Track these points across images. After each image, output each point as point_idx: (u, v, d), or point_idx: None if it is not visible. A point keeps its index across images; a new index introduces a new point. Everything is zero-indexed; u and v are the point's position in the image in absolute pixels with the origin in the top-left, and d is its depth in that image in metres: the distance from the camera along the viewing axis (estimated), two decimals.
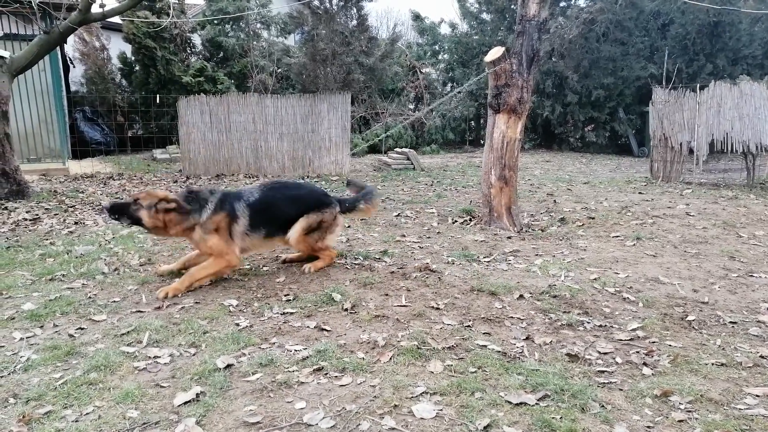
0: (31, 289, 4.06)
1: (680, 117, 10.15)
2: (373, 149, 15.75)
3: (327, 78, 14.49)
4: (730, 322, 3.54)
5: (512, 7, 17.45)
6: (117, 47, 15.40)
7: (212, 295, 3.93)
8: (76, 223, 6.40)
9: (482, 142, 18.66)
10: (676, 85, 10.84)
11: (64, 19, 7.66)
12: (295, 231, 4.43)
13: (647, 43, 16.48)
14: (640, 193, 8.90)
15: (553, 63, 16.93)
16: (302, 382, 2.68)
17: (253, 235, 4.33)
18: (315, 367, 2.82)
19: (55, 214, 6.84)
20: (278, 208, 4.45)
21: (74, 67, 15.03)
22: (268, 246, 4.63)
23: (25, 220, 6.49)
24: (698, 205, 7.61)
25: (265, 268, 4.63)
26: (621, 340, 3.25)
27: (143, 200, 4.10)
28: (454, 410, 2.44)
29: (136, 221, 4.14)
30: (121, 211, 4.16)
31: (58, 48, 10.44)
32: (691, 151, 10.34)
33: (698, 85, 10.25)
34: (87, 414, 2.40)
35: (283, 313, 3.58)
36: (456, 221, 6.63)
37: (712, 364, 2.92)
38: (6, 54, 7.47)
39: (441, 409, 2.44)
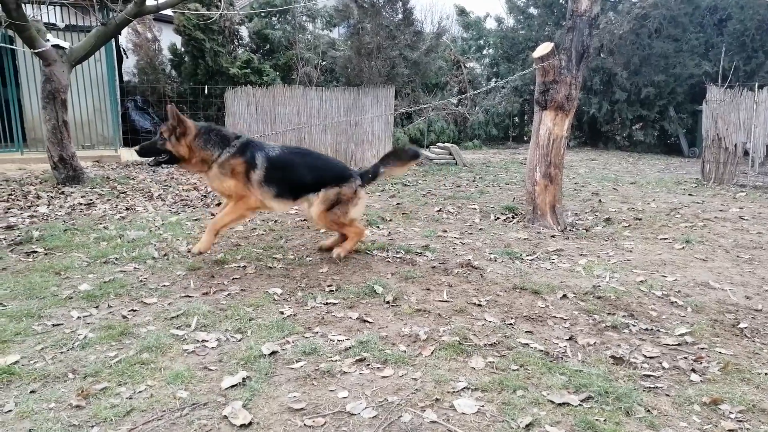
0: (86, 270, 4.24)
1: (736, 117, 9.77)
2: (415, 143, 15.72)
3: (371, 71, 14.51)
4: None
5: (561, 1, 17.11)
6: (168, 39, 15.80)
7: (257, 283, 4.02)
8: (127, 208, 6.63)
9: (525, 138, 18.42)
10: (732, 84, 10.44)
11: (121, 11, 7.91)
12: (315, 207, 4.48)
13: (702, 40, 15.89)
14: (690, 194, 8.63)
15: (601, 59, 16.51)
16: (345, 372, 2.72)
17: (265, 189, 4.39)
18: (357, 357, 2.86)
19: (108, 200, 7.10)
20: (295, 171, 4.48)
21: (127, 57, 15.50)
22: (277, 205, 4.57)
23: (81, 204, 6.77)
24: (753, 209, 7.32)
25: (308, 258, 4.71)
26: (668, 344, 3.18)
27: (165, 132, 4.28)
28: (496, 407, 2.44)
29: (167, 154, 4.29)
30: (150, 150, 4.35)
31: (113, 39, 10.79)
32: (746, 153, 9.95)
33: (756, 84, 9.84)
34: (140, 392, 2.50)
35: (326, 304, 3.64)
36: (498, 218, 6.57)
37: (766, 373, 2.83)
38: (66, 44, 7.77)
39: (482, 405, 2.44)
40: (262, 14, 15.98)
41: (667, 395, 2.61)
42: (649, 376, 2.79)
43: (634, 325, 3.43)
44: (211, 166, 4.33)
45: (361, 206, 4.73)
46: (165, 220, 5.93)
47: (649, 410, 2.45)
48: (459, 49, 19.42)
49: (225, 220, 4.37)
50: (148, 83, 15.39)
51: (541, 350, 3.03)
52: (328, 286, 3.98)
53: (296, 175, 4.49)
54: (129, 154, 11.43)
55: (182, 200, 7.31)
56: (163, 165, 4.53)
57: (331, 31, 17.61)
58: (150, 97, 15.26)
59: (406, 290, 3.91)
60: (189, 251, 4.19)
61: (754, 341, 3.27)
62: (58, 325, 3.23)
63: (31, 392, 2.49)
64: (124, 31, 13.16)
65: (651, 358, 3.00)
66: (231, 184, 4.31)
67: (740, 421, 2.40)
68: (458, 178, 10.20)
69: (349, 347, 2.98)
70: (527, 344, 3.09)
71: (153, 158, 4.40)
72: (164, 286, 3.93)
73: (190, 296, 3.74)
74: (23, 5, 7.18)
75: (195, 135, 4.30)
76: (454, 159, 12.33)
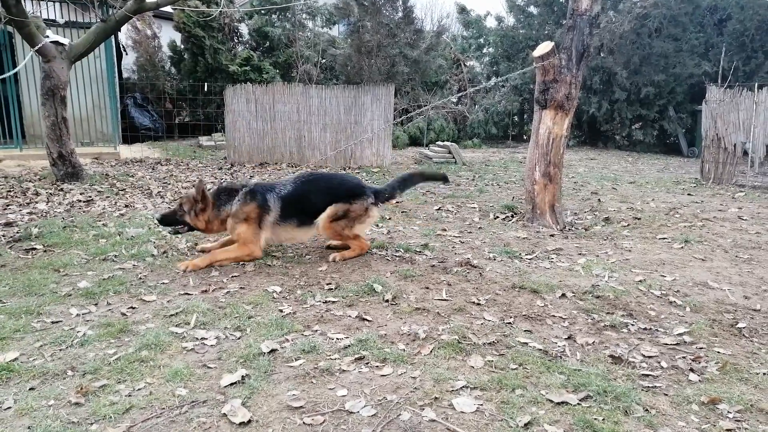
0: (85, 267, 4.24)
1: (735, 117, 9.78)
2: (415, 142, 15.73)
3: (371, 70, 14.50)
4: None
5: (561, 0, 17.10)
6: (167, 36, 15.78)
7: (257, 281, 4.02)
8: (126, 206, 6.62)
9: (525, 137, 18.41)
10: (731, 84, 10.44)
11: (120, 7, 7.89)
12: (322, 218, 4.61)
13: (702, 40, 15.89)
14: (689, 194, 8.64)
15: (601, 58, 16.51)
16: (344, 370, 2.72)
17: (285, 225, 4.57)
18: (356, 356, 2.86)
19: (107, 197, 7.10)
20: (310, 200, 4.63)
21: (127, 54, 15.48)
22: (303, 234, 4.76)
23: (80, 201, 6.76)
24: (751, 209, 7.34)
25: (307, 257, 4.71)
26: (666, 344, 3.19)
27: (185, 205, 4.49)
28: (495, 406, 2.44)
29: (186, 225, 4.53)
30: (171, 221, 4.57)
31: (112, 36, 10.76)
32: (745, 153, 9.96)
33: (756, 84, 9.84)
34: (139, 389, 2.50)
35: (326, 302, 3.64)
36: (498, 217, 6.58)
37: (764, 373, 2.83)
38: (66, 41, 7.76)
39: (481, 404, 2.44)
40: (262, 11, 15.97)
41: (666, 395, 2.61)
42: (647, 375, 2.79)
43: (632, 325, 3.43)
44: (227, 220, 4.52)
45: (369, 224, 4.87)
46: None
47: (647, 409, 2.45)
48: (459, 48, 19.42)
49: (223, 256, 4.45)
50: (147, 80, 15.38)
51: (540, 349, 3.03)
52: (328, 284, 3.98)
53: (312, 202, 4.63)
54: (128, 151, 11.42)
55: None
56: (182, 233, 4.74)
57: (330, 29, 17.59)
58: (149, 94, 15.25)
59: (406, 289, 3.92)
60: (183, 270, 4.21)
61: (753, 341, 3.28)
62: (57, 322, 3.23)
63: (30, 389, 2.49)
64: (124, 28, 13.13)
65: (649, 357, 3.00)
66: (242, 230, 4.45)
67: (738, 420, 2.41)
68: (457, 176, 10.20)
69: (348, 345, 2.99)
70: (526, 343, 3.10)
71: (172, 227, 4.62)
72: (163, 283, 3.93)
73: (189, 294, 3.74)
74: (23, 1, 7.16)
75: (212, 207, 4.49)
76: (453, 158, 12.33)
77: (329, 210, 4.59)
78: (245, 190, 4.55)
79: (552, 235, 5.77)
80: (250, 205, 4.48)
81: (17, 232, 5.15)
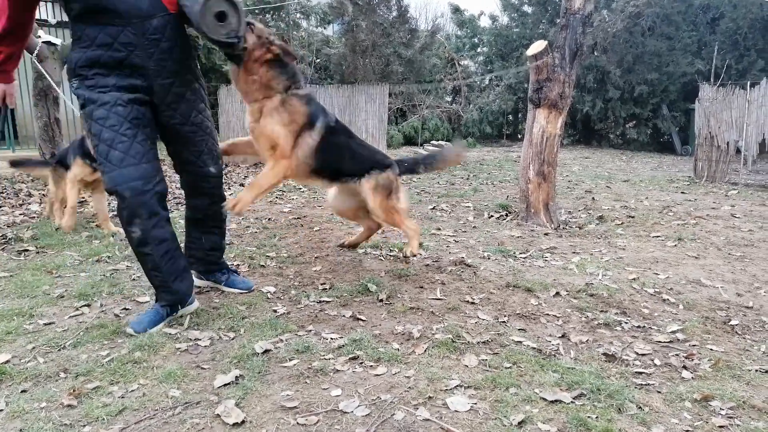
0: (78, 269, 4.22)
1: (728, 115, 9.83)
2: (409, 141, 15.73)
3: (366, 69, 14.51)
4: None
5: None
6: None
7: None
8: None
9: (519, 136, 18.46)
10: (724, 82, 10.50)
11: None
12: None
13: (695, 38, 15.98)
14: (682, 192, 8.68)
15: (595, 57, 16.57)
16: (338, 370, 2.72)
17: (307, 161, 3.64)
18: (350, 355, 2.86)
19: None
20: (347, 151, 3.88)
21: None
22: (310, 180, 3.96)
23: None
24: (744, 207, 7.37)
25: (301, 257, 4.70)
26: (660, 341, 3.20)
27: (259, 31, 3.29)
28: (489, 404, 2.44)
29: (242, 45, 3.18)
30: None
31: None
32: (738, 151, 10.01)
33: (748, 83, 9.90)
34: (132, 391, 2.49)
35: (320, 302, 3.64)
36: (492, 216, 6.58)
37: (756, 370, 2.85)
38: (58, 41, 7.72)
39: (475, 403, 2.45)
40: (256, 11, 15.92)
41: (659, 392, 2.62)
42: (640, 373, 2.80)
43: (626, 323, 3.45)
44: (266, 101, 3.47)
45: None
46: None
47: (640, 407, 2.46)
48: (453, 47, 19.44)
49: (266, 182, 3.67)
50: None
51: (534, 348, 3.04)
52: (322, 284, 3.98)
53: (345, 156, 3.88)
54: None
55: (175, 198, 7.28)
56: (229, 48, 3.17)
57: (325, 28, 17.59)
58: None
59: (400, 288, 3.91)
60: (228, 209, 3.57)
61: (745, 338, 3.29)
62: (49, 323, 3.21)
63: (22, 392, 2.47)
64: None
65: (643, 355, 3.01)
66: (280, 131, 3.50)
67: (731, 417, 2.42)
68: (452, 175, 10.21)
69: (342, 345, 2.98)
70: (520, 342, 3.10)
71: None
72: None
73: None
74: None
75: (281, 66, 3.44)
76: None
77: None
78: (307, 92, 3.60)
79: (546, 234, 5.78)
80: (304, 106, 3.48)
81: (10, 233, 5.13)
